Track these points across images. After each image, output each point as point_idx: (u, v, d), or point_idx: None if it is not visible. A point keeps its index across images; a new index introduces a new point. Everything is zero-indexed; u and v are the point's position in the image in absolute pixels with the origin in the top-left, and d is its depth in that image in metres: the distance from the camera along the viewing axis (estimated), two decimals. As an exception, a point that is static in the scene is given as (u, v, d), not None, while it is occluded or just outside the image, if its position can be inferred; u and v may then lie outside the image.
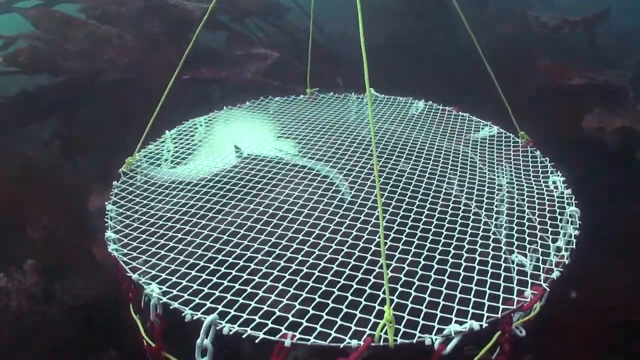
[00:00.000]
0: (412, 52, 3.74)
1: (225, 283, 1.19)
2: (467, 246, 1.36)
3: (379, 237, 1.12)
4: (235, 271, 1.24)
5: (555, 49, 3.76)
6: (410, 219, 1.46)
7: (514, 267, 1.31)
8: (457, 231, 1.42)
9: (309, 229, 1.40)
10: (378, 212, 1.11)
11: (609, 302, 2.27)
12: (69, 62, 3.22)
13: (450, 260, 1.28)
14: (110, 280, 2.23)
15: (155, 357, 1.27)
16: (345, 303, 1.12)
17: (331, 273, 1.23)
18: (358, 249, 1.32)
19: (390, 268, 1.23)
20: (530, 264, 1.31)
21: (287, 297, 1.15)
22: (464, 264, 1.27)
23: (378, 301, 1.11)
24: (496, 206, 1.60)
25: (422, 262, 1.27)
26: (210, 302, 1.11)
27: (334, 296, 1.15)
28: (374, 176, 1.17)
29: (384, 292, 1.06)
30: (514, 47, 3.66)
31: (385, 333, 0.99)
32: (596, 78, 2.98)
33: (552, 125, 2.45)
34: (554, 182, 1.67)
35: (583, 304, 2.27)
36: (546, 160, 1.83)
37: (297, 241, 1.35)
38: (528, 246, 1.39)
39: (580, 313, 2.24)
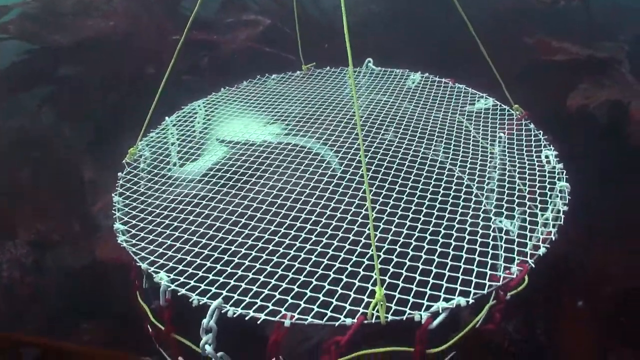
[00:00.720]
0: (409, 24, 3.70)
1: (229, 270, 1.27)
2: (458, 218, 1.42)
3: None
4: (238, 258, 1.32)
5: (552, 23, 3.73)
6: (408, 187, 1.55)
7: (501, 237, 1.36)
8: (449, 202, 1.48)
9: (306, 216, 1.47)
10: (367, 205, 1.17)
11: (599, 281, 2.32)
12: (58, 30, 3.16)
13: (441, 240, 1.35)
14: (101, 251, 2.32)
15: (165, 340, 1.36)
16: (340, 285, 1.20)
17: (327, 257, 1.30)
18: (352, 232, 1.39)
19: (382, 250, 1.31)
20: (516, 232, 1.37)
21: (286, 281, 1.23)
22: (453, 243, 1.34)
23: (371, 282, 1.19)
24: (488, 172, 1.66)
25: (414, 243, 1.34)
26: (215, 288, 1.19)
27: (329, 279, 1.23)
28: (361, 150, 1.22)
29: (375, 274, 1.14)
30: (509, 22, 3.62)
31: (378, 311, 1.08)
32: (580, 53, 2.98)
33: (538, 103, 2.48)
34: (546, 156, 1.70)
35: (571, 282, 2.33)
36: (540, 133, 1.86)
37: (295, 228, 1.42)
38: (516, 215, 1.45)
39: (570, 291, 2.30)
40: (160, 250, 1.35)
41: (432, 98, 2.17)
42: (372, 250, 1.14)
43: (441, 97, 2.18)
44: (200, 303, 1.14)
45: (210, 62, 3.18)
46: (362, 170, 1.19)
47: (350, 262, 1.28)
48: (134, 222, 1.48)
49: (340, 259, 1.30)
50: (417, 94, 2.20)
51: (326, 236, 1.39)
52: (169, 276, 1.23)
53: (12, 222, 2.55)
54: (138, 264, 1.29)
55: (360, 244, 1.34)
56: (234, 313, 1.10)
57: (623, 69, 3.01)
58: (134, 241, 1.39)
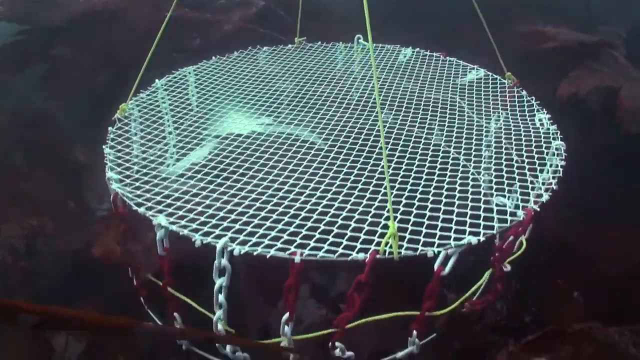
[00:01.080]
0: (406, 10, 3.70)
1: (232, 216, 1.23)
2: (458, 188, 1.41)
3: (381, 167, 1.16)
4: (242, 208, 1.28)
5: (548, 10, 3.76)
6: (406, 157, 1.54)
7: (504, 210, 1.36)
8: (446, 180, 1.46)
9: (309, 177, 1.45)
10: (381, 143, 1.15)
11: (593, 259, 2.32)
12: (49, 8, 3.07)
13: (445, 193, 1.35)
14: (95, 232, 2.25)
15: (160, 297, 1.30)
16: (350, 229, 1.17)
17: (334, 208, 1.28)
18: (357, 189, 1.37)
19: (393, 193, 1.28)
20: (517, 204, 1.35)
21: (293, 226, 1.19)
22: (457, 195, 1.35)
23: (380, 226, 1.16)
24: (484, 151, 1.66)
25: (418, 196, 1.33)
26: (220, 231, 1.15)
27: (338, 224, 1.20)
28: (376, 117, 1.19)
29: (387, 212, 1.11)
30: (505, 9, 3.64)
31: (390, 247, 1.05)
32: (573, 40, 3.01)
33: (532, 91, 2.53)
34: (540, 120, 1.74)
35: (565, 259, 2.32)
36: (532, 99, 1.89)
37: (299, 187, 1.40)
38: (517, 188, 1.44)
39: (564, 267, 2.29)
40: (158, 198, 1.30)
41: (424, 72, 2.18)
42: (385, 185, 1.11)
43: (433, 70, 2.20)
44: (204, 242, 1.09)
45: (202, 42, 3.15)
46: (377, 113, 1.16)
47: (358, 212, 1.26)
48: (127, 172, 1.43)
49: (347, 209, 1.28)
50: (408, 68, 2.22)
51: (330, 192, 1.37)
52: (168, 219, 1.17)
53: (3, 208, 2.47)
54: (134, 209, 1.23)
55: (366, 198, 1.32)
56: (241, 251, 1.06)
57: (617, 54, 3.02)
58: (129, 189, 1.34)
